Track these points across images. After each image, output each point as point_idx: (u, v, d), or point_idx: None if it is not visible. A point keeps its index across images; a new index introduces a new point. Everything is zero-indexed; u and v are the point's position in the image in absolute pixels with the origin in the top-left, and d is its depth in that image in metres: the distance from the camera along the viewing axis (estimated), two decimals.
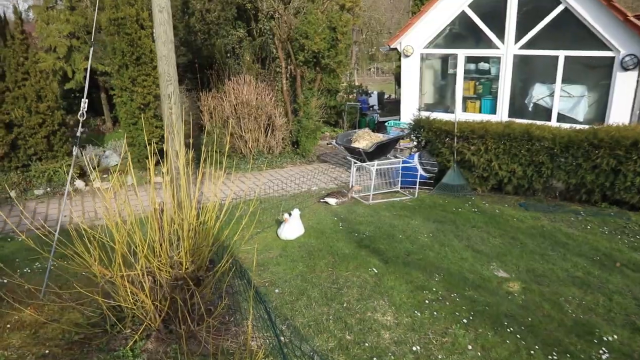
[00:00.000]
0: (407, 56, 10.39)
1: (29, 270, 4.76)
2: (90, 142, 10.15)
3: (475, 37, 9.94)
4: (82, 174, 8.74)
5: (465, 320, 3.93)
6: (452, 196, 7.77)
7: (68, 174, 8.42)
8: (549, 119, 9.25)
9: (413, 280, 4.72)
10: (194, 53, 10.37)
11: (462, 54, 9.94)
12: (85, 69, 11.12)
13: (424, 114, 8.82)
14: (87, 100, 3.75)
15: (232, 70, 10.44)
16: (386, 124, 10.42)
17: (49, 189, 8.06)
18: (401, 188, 8.12)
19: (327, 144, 11.36)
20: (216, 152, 9.41)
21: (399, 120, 11.34)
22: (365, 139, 8.73)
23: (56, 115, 8.39)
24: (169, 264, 3.10)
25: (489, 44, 9.60)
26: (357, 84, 14.55)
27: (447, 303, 4.23)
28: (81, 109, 3.73)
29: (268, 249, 5.56)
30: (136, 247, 3.22)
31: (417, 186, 7.82)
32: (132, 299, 3.16)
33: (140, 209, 7.11)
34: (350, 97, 13.42)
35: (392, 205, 7.32)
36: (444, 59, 10.59)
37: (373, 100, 14.26)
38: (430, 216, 6.76)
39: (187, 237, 3.12)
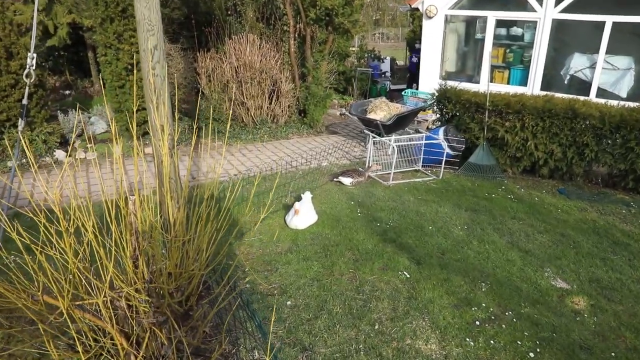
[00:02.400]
0: (429, 18, 9.28)
1: None
2: (74, 107, 9.11)
3: None
4: (64, 143, 7.76)
5: (532, 355, 3.07)
6: (480, 178, 6.87)
7: (45, 143, 7.48)
8: (587, 94, 8.25)
9: (455, 289, 3.85)
10: (190, 8, 9.22)
11: (492, 16, 8.83)
12: (69, 24, 9.98)
13: (451, 83, 7.82)
14: (34, 56, 2.79)
15: (233, 29, 9.31)
16: (403, 93, 9.39)
17: (24, 160, 7.09)
18: (423, 166, 7.20)
19: (340, 114, 10.36)
20: (214, 119, 8.43)
21: (416, 88, 10.30)
22: (382, 110, 7.75)
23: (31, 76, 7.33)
24: (145, 292, 2.20)
25: (524, 6, 8.50)
26: (369, 48, 13.40)
27: (504, 326, 3.37)
28: (27, 66, 2.76)
29: (275, 241, 4.67)
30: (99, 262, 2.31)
31: (443, 165, 6.90)
32: (96, 334, 2.27)
33: (125, 187, 6.21)
34: (361, 62, 12.32)
35: (414, 187, 6.41)
36: (471, 22, 9.48)
37: (385, 67, 13.16)
38: (460, 203, 5.86)
39: (173, 252, 2.21)
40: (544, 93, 7.57)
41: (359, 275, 4.05)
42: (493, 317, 3.47)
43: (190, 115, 8.55)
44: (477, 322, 3.40)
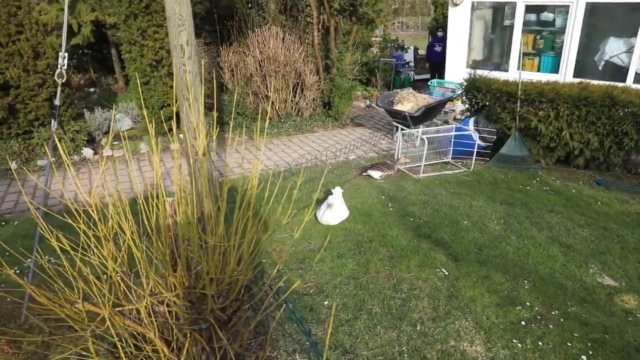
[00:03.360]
0: (455, 5, 9.03)
1: (17, 270, 3.86)
2: (100, 104, 9.15)
3: None
4: (91, 140, 7.80)
5: (584, 357, 2.92)
6: (513, 169, 6.67)
7: (73, 141, 7.52)
8: (624, 80, 7.92)
9: (496, 287, 3.71)
10: (212, 2, 9.13)
11: (521, 2, 8.54)
12: (92, 22, 10.00)
13: (480, 72, 7.60)
14: (65, 55, 2.73)
15: (255, 22, 9.22)
16: (429, 83, 9.19)
17: (53, 159, 7.14)
18: (452, 158, 7.02)
19: (366, 106, 10.20)
20: (238, 114, 8.37)
21: (442, 78, 10.07)
22: (409, 101, 7.58)
23: None
24: (186, 298, 2.13)
25: None
26: (392, 37, 13.16)
27: (551, 326, 3.22)
28: (59, 66, 2.70)
29: (307, 238, 4.58)
30: (139, 266, 2.25)
31: (474, 157, 6.71)
32: (136, 340, 2.22)
33: (153, 183, 6.20)
34: (384, 52, 12.11)
35: (445, 180, 6.25)
36: (499, 9, 9.19)
37: (409, 57, 12.92)
38: (494, 196, 5.68)
39: (213, 257, 2.13)
40: (577, 80, 7.29)
41: (396, 272, 3.93)
42: (539, 317, 3.32)
43: (215, 109, 8.49)
44: (523, 322, 3.26)
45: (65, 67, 2.73)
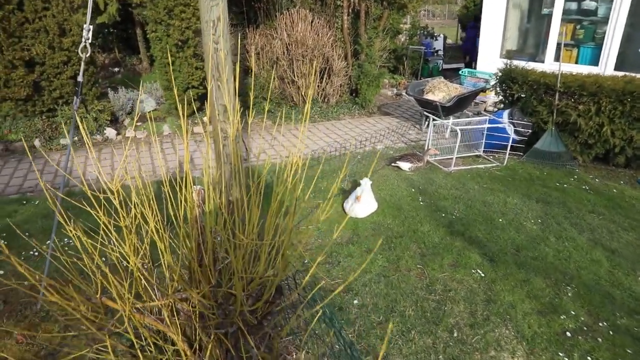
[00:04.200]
0: None
1: (35, 253, 3.74)
2: (124, 84, 9.04)
3: None
4: (114, 121, 7.69)
5: None
6: (548, 166, 6.35)
7: (96, 121, 7.42)
8: None
9: (537, 292, 3.47)
10: None
11: None
12: (119, 0, 9.86)
13: (517, 63, 7.25)
14: (90, 28, 2.54)
15: (283, 4, 8.98)
16: (460, 72, 8.85)
17: (76, 138, 7.06)
18: (484, 152, 6.73)
19: (394, 94, 9.90)
20: (263, 98, 8.17)
21: (473, 68, 9.71)
22: (441, 90, 7.28)
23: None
24: (213, 297, 1.95)
25: None
26: (422, 24, 12.77)
27: (600, 340, 2.98)
28: (83, 40, 2.51)
29: (334, 230, 4.38)
30: (162, 259, 2.07)
31: (508, 151, 6.41)
32: (156, 338, 2.05)
33: (175, 167, 6.08)
34: (413, 39, 11.74)
35: (477, 174, 5.98)
36: None
37: (438, 45, 12.53)
38: (530, 193, 5.40)
39: (244, 255, 1.94)
40: (620, 73, 6.90)
41: (428, 271, 3.72)
42: (585, 328, 3.08)
43: (239, 93, 8.30)
44: (568, 333, 3.02)
45: (90, 40, 2.55)
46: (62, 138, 7.03)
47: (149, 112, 8.13)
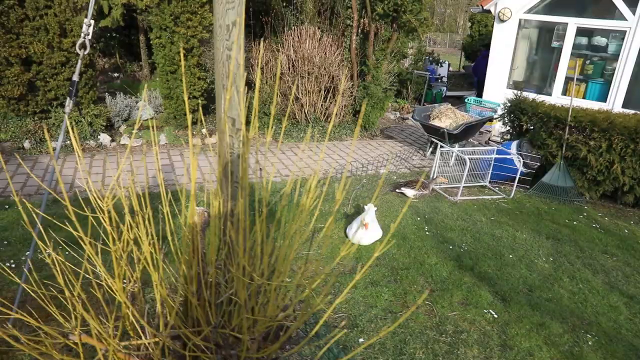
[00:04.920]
0: (502, 21, 8.56)
1: (13, 265, 3.43)
2: (123, 90, 8.80)
3: (594, 4, 8.04)
4: (109, 127, 7.42)
5: None
6: (556, 201, 6.17)
7: (91, 125, 7.14)
8: None
9: (555, 339, 3.22)
10: None
11: (573, 23, 8.06)
12: (124, 5, 9.68)
13: (526, 94, 7.13)
14: (91, 23, 2.29)
15: (288, 21, 8.85)
16: (465, 100, 8.71)
17: (68, 142, 6.77)
18: (490, 182, 6.54)
19: (399, 118, 9.74)
20: (264, 114, 7.95)
21: (477, 96, 9.59)
22: (448, 117, 7.12)
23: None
24: (212, 339, 1.68)
25: (613, 14, 7.70)
26: (428, 50, 12.71)
27: None
28: (82, 35, 2.26)
29: (335, 257, 4.11)
30: (155, 290, 1.80)
31: (516, 184, 6.22)
32: None
33: (170, 179, 5.81)
34: (418, 64, 11.66)
35: (484, 205, 5.77)
36: (547, 29, 8.70)
37: (443, 71, 12.46)
38: (539, 228, 5.19)
39: (247, 293, 1.69)
40: (628, 111, 6.80)
41: (437, 309, 3.46)
42: None
43: None
44: None
45: (90, 36, 2.32)
46: (54, 141, 6.74)
47: (145, 120, 7.88)
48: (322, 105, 7.96)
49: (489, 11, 8.79)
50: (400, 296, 3.58)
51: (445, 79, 12.52)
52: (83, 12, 7.09)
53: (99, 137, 7.00)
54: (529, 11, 8.45)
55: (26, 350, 1.50)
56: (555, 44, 8.53)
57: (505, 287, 3.89)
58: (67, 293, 1.57)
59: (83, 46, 2.33)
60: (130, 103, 7.87)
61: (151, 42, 6.89)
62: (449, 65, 14.44)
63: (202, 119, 7.61)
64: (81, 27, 6.87)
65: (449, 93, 12.43)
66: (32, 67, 6.74)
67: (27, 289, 1.71)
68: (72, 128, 6.93)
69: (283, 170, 6.37)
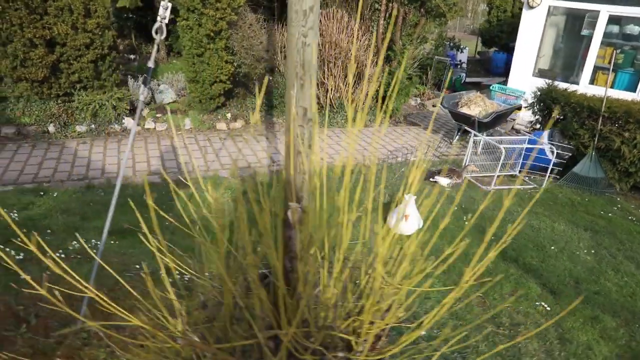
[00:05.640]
0: (531, 7, 8.40)
1: (62, 254, 3.37)
2: (140, 72, 8.68)
3: None
4: (132, 110, 7.32)
5: None
6: (587, 192, 6.09)
7: (115, 109, 7.05)
8: None
9: (610, 333, 3.18)
10: None
11: (605, 11, 7.89)
12: None
13: (557, 83, 7.02)
14: (169, 6, 2.19)
15: None
16: (490, 87, 8.58)
17: (93, 126, 6.70)
18: (520, 172, 6.46)
19: (422, 104, 9.62)
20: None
21: (503, 83, 9.46)
22: (477, 105, 7.02)
23: (107, 36, 6.88)
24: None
25: None
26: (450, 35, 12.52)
27: None
28: (159, 18, 2.16)
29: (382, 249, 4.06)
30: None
31: (548, 174, 6.14)
32: None
33: (202, 165, 5.72)
34: (439, 50, 11.49)
35: (518, 195, 5.71)
36: (577, 16, 8.53)
37: (463, 57, 12.29)
38: (575, 220, 5.13)
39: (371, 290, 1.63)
40: None
41: (489, 300, 3.42)
42: None
43: (265, 91, 7.99)
44: None
45: (166, 20, 2.22)
46: (79, 125, 6.66)
47: (168, 103, 7.78)
48: (344, 89, 7.85)
49: None
50: (449, 285, 3.53)
51: (465, 65, 12.35)
52: None
53: (123, 121, 6.92)
54: None
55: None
56: (585, 32, 8.38)
57: (552, 279, 3.84)
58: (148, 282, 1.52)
59: (160, 30, 2.24)
60: (152, 86, 7.77)
61: (178, 23, 6.77)
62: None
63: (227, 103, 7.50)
64: (105, 7, 6.77)
65: (469, 79, 12.29)
66: (55, 48, 6.64)
67: (125, 282, 1.65)
68: (96, 112, 6.86)
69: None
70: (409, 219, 4.31)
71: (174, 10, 9.50)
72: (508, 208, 5.10)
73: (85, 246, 1.86)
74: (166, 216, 1.72)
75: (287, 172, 2.63)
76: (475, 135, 6.09)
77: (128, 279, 2.90)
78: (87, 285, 1.80)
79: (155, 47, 2.28)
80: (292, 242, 1.95)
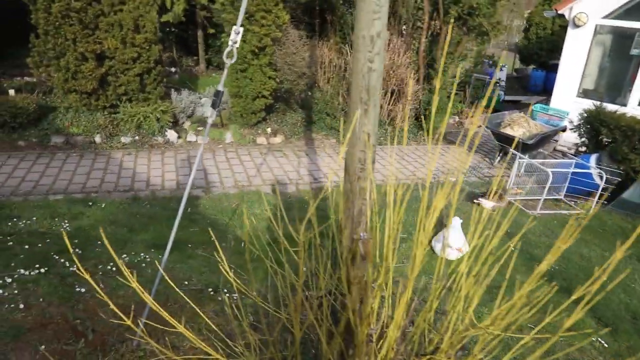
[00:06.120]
0: (577, 26, 8.22)
1: (112, 268, 3.40)
2: (182, 85, 8.86)
3: None
4: (174, 123, 7.45)
5: None
6: (638, 218, 5.86)
7: (158, 121, 7.18)
8: None
9: None
10: None
11: None
12: (187, 1, 9.75)
13: (609, 106, 6.83)
14: (240, 31, 2.21)
15: (346, 22, 8.73)
16: (533, 107, 8.41)
17: (137, 137, 6.83)
18: (564, 196, 6.28)
19: (461, 123, 9.51)
20: (327, 114, 7.87)
21: (545, 104, 9.27)
22: (521, 126, 6.88)
23: (153, 50, 7.05)
24: None
25: None
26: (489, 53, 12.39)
27: None
28: (230, 43, 2.17)
29: (427, 272, 4.00)
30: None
31: (596, 199, 5.95)
32: None
33: (244, 179, 5.74)
34: (477, 67, 11.36)
35: (564, 221, 5.53)
36: (627, 35, 8.30)
37: (502, 75, 12.11)
38: (628, 249, 4.93)
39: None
40: None
41: (540, 332, 3.29)
42: None
43: (304, 107, 8.02)
44: None
45: (238, 45, 2.25)
46: (123, 136, 6.81)
47: (208, 117, 7.87)
48: (386, 107, 7.82)
49: (562, 15, 8.46)
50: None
51: (503, 83, 12.17)
52: (153, 7, 7.10)
53: (166, 133, 7.04)
54: (607, 16, 8.08)
55: None
56: (634, 51, 8.14)
57: (607, 313, 3.69)
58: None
59: (231, 55, 2.26)
60: (194, 99, 7.90)
61: (221, 39, 6.88)
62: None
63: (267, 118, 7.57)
64: (153, 23, 6.93)
65: (508, 97, 12.10)
66: (104, 62, 6.83)
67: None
68: (140, 124, 7.01)
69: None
70: (455, 244, 4.23)
71: (216, 26, 9.71)
72: (556, 234, 4.96)
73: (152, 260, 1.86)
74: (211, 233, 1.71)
75: (346, 196, 2.61)
76: (520, 158, 5.95)
77: (178, 295, 2.91)
78: (151, 301, 1.80)
79: (226, 70, 2.30)
80: (360, 273, 1.92)
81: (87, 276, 1.57)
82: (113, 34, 6.67)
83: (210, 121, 2.27)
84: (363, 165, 2.59)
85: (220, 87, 2.30)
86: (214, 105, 2.32)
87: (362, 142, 2.57)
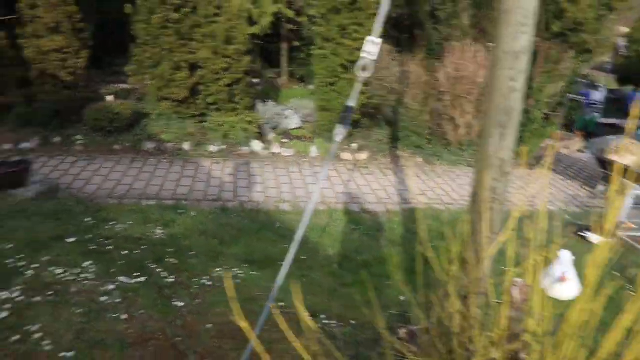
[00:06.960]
0: None
1: (208, 282, 3.30)
2: (266, 97, 8.91)
3: None
4: (259, 134, 7.47)
5: None
6: None
7: (245, 131, 7.21)
8: None
9: None
10: (409, 5, 8.41)
11: None
12: (274, 14, 9.86)
13: None
14: (379, 41, 2.01)
15: (430, 36, 8.43)
16: (638, 132, 7.67)
17: (224, 147, 6.90)
18: None
19: (565, 147, 8.91)
20: (413, 132, 7.59)
21: None
22: (630, 152, 6.26)
23: (243, 62, 7.13)
24: None
25: None
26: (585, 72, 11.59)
27: None
28: (363, 54, 1.98)
29: (530, 312, 3.61)
30: None
31: None
32: None
33: (331, 195, 5.59)
34: (571, 87, 10.63)
35: None
36: None
37: (597, 96, 11.29)
38: None
39: None
40: None
41: None
42: None
43: (390, 123, 7.80)
44: None
45: (375, 57, 2.07)
46: (211, 144, 6.89)
47: (292, 129, 7.86)
48: (478, 128, 7.43)
49: None
50: None
51: (599, 105, 11.33)
52: (241, 18, 7.17)
53: (251, 143, 7.06)
54: None
55: None
56: None
57: None
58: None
59: (365, 68, 2.10)
60: (279, 111, 7.91)
61: (312, 52, 6.83)
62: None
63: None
64: (244, 35, 7.00)
65: (604, 120, 11.24)
66: (196, 71, 6.98)
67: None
68: (227, 133, 7.08)
69: (444, 197, 5.95)
70: (566, 281, 3.83)
71: (302, 39, 9.76)
72: None
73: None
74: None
75: (475, 227, 2.35)
76: (635, 189, 5.39)
77: (278, 318, 2.75)
78: (257, 341, 1.61)
79: (359, 85, 2.13)
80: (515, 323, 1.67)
81: None
82: (206, 45, 6.81)
83: (339, 139, 2.09)
84: (494, 195, 2.34)
85: (351, 103, 2.14)
86: (343, 122, 2.14)
87: (495, 169, 2.32)
